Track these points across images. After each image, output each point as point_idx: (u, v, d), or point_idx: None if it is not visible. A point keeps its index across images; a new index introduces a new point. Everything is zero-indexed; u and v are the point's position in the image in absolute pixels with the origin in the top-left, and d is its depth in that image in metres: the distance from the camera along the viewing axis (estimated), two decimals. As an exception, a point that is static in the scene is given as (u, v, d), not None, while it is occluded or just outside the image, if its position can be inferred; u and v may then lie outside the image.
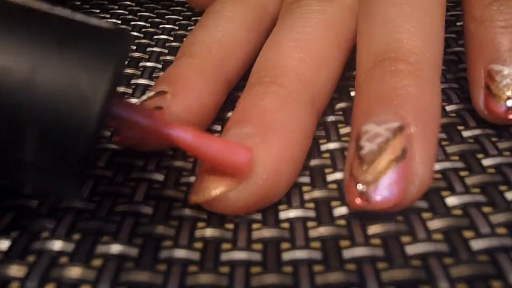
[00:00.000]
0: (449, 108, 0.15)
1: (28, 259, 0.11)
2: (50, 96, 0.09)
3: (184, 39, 0.17)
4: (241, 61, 0.16)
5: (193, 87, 0.14)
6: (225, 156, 0.11)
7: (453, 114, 0.15)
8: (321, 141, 0.15)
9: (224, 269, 0.11)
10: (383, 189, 0.11)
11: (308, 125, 0.13)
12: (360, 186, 0.11)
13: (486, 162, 0.13)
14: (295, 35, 0.14)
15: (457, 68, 0.18)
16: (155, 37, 0.22)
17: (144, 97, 0.14)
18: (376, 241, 0.11)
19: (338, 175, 0.13)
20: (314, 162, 0.14)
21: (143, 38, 0.22)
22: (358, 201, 0.11)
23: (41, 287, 0.10)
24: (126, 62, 0.12)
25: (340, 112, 0.16)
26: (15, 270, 0.11)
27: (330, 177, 0.13)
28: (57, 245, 0.11)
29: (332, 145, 0.14)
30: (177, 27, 0.23)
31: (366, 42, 0.14)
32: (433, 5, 0.14)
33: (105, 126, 0.10)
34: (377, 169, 0.11)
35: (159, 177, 0.14)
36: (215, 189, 0.11)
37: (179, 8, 0.25)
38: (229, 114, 0.16)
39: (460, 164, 0.13)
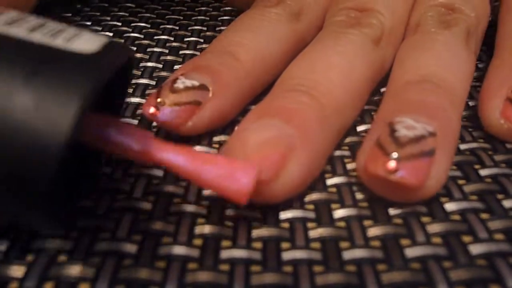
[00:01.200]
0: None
1: (27, 258, 0.11)
2: (17, 127, 0.08)
3: (230, 24, 0.17)
4: (269, 81, 0.16)
5: (231, 93, 0.15)
6: (223, 184, 0.10)
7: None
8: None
9: (224, 267, 0.11)
10: (413, 168, 0.11)
11: (331, 150, 0.14)
12: (395, 155, 0.11)
13: (483, 172, 0.13)
14: (344, 62, 0.15)
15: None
16: (155, 37, 0.22)
17: (188, 83, 0.14)
18: (376, 243, 0.11)
19: (336, 180, 0.13)
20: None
21: (144, 39, 0.22)
22: (388, 167, 0.11)
23: (40, 286, 0.10)
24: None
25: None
26: (14, 270, 0.10)
27: (330, 181, 0.13)
28: (55, 243, 0.11)
29: (333, 152, 0.14)
30: (177, 27, 0.23)
31: (411, 65, 0.15)
32: (471, 65, 0.16)
33: (80, 153, 0.09)
34: (411, 151, 0.12)
35: (159, 172, 0.13)
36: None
37: (179, 8, 0.25)
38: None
39: (458, 173, 0.13)
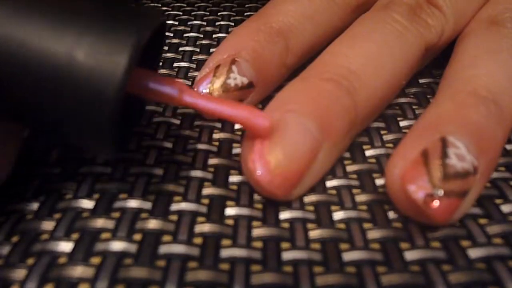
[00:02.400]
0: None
1: (28, 261, 0.11)
2: (84, 68, 0.10)
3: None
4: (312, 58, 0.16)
5: (272, 85, 0.16)
6: (248, 118, 0.12)
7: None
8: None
9: (224, 266, 0.11)
10: (445, 206, 0.11)
11: (348, 143, 0.14)
12: (436, 191, 0.11)
13: (482, 174, 0.13)
14: (387, 57, 0.14)
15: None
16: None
17: (232, 83, 0.15)
18: (375, 245, 0.11)
19: (336, 182, 0.13)
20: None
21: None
22: (427, 201, 0.11)
23: (40, 288, 0.10)
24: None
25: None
26: (16, 273, 0.10)
27: (330, 184, 0.13)
28: (56, 245, 0.11)
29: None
30: (177, 22, 0.22)
31: (482, 72, 0.13)
32: None
33: (127, 91, 0.11)
34: (452, 188, 0.11)
35: (158, 171, 0.13)
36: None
37: (178, 4, 0.25)
38: None
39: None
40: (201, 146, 0.15)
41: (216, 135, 0.15)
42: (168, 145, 0.15)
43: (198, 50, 0.20)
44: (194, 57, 0.19)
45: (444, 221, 0.11)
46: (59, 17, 0.10)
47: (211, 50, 0.20)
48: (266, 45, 0.16)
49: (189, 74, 0.18)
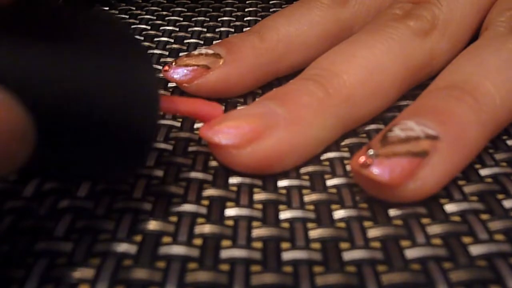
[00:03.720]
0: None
1: (28, 261, 0.11)
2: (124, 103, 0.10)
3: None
4: (300, 63, 0.17)
5: (245, 65, 0.16)
6: (201, 108, 0.13)
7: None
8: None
9: (224, 267, 0.11)
10: (386, 165, 0.11)
11: (329, 136, 0.14)
12: (371, 152, 0.12)
13: (484, 172, 0.13)
14: (370, 56, 0.14)
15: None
16: (155, 39, 0.22)
17: (203, 50, 0.16)
18: (376, 244, 0.11)
19: (336, 181, 0.13)
20: (314, 168, 0.14)
21: (144, 41, 0.22)
22: (360, 161, 0.11)
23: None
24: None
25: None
26: (15, 273, 0.10)
27: (329, 182, 0.13)
28: (56, 245, 0.11)
29: (332, 154, 0.14)
30: (177, 29, 0.23)
31: (452, 70, 0.14)
32: None
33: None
34: (393, 150, 0.11)
35: (159, 173, 0.13)
36: (225, 139, 0.13)
37: (179, 9, 0.25)
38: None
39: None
40: (201, 149, 0.15)
41: None
42: (168, 147, 0.15)
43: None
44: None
45: (392, 180, 0.11)
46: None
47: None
48: (239, 36, 0.17)
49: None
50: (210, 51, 0.16)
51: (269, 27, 0.17)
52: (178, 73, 0.16)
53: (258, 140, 0.12)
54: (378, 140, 0.12)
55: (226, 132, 0.13)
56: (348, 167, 0.14)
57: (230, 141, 0.12)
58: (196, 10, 0.24)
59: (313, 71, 0.14)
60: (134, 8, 0.25)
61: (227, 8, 0.24)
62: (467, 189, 0.13)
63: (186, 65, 0.16)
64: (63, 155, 0.10)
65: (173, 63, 0.16)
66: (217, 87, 0.16)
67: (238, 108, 0.16)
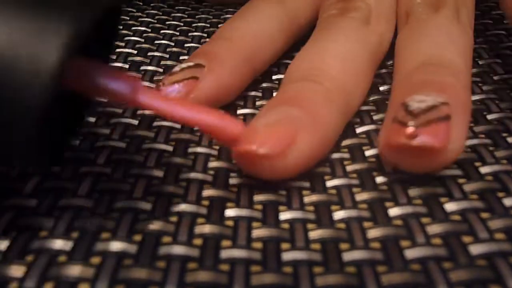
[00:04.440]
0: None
1: (27, 258, 0.11)
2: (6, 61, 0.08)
3: (220, 26, 0.19)
4: (269, 57, 0.18)
5: (226, 67, 0.16)
6: (222, 126, 0.11)
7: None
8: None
9: (224, 267, 0.11)
10: (432, 132, 0.12)
11: (340, 129, 0.14)
12: (412, 123, 0.12)
13: (484, 170, 0.13)
14: (339, 47, 0.16)
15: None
16: (156, 42, 0.22)
17: (183, 65, 0.16)
18: (376, 244, 0.11)
19: (336, 182, 0.13)
20: (313, 169, 0.14)
21: (144, 42, 0.22)
22: (408, 131, 0.12)
23: (39, 287, 0.10)
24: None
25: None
26: (14, 270, 0.10)
27: (329, 183, 0.13)
28: (55, 243, 0.11)
29: (332, 155, 0.14)
30: (178, 33, 0.23)
31: (412, 52, 0.16)
32: (468, 43, 0.16)
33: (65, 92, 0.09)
34: (427, 118, 0.12)
35: (159, 173, 0.13)
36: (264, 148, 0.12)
37: (179, 14, 0.25)
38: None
39: (457, 172, 0.13)
40: (201, 150, 0.15)
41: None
42: (169, 148, 0.15)
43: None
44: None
45: (442, 144, 0.12)
46: None
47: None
48: (208, 44, 0.17)
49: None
50: (191, 63, 0.16)
51: (232, 29, 0.17)
52: (171, 93, 0.15)
53: (294, 145, 0.12)
54: (404, 115, 0.12)
55: (268, 142, 0.12)
56: (348, 168, 0.14)
57: (273, 150, 0.12)
58: (197, 16, 0.25)
59: (299, 73, 0.15)
60: (134, 10, 0.25)
61: (228, 16, 0.25)
62: (467, 187, 0.13)
63: (175, 83, 0.15)
64: None
65: (161, 86, 0.15)
66: (213, 94, 0.16)
67: (242, 116, 0.16)
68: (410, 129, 0.12)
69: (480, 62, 0.19)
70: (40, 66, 0.08)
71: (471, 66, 0.16)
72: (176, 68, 0.16)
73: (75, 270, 0.10)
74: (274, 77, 0.19)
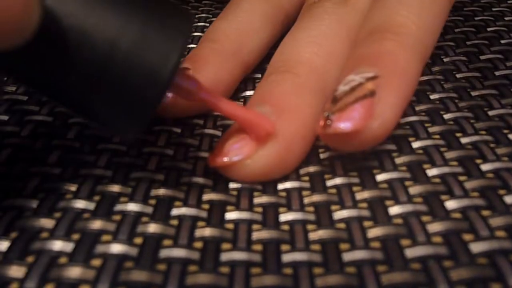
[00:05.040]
0: (447, 116, 0.16)
1: (28, 259, 0.11)
2: (130, 58, 0.10)
3: (205, 30, 0.19)
4: (257, 46, 0.18)
5: (212, 65, 0.16)
6: (256, 121, 0.13)
7: (451, 122, 0.15)
8: (320, 150, 0.15)
9: (224, 269, 0.11)
10: (346, 116, 0.12)
11: (318, 109, 0.14)
12: (325, 113, 0.12)
13: (485, 167, 0.13)
14: (311, 31, 0.16)
15: (454, 77, 0.18)
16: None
17: None
18: (376, 244, 0.11)
19: (338, 180, 0.13)
20: (313, 168, 0.14)
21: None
22: (321, 124, 0.12)
23: None
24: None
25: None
26: (14, 271, 0.11)
27: (330, 183, 0.13)
28: (56, 245, 0.11)
29: (332, 154, 0.14)
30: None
31: (365, 22, 0.16)
32: (426, 3, 0.15)
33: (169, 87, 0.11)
34: (344, 102, 0.12)
35: (160, 177, 0.14)
36: (235, 156, 0.13)
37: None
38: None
39: (458, 169, 0.13)
40: (201, 154, 0.15)
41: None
42: (169, 152, 0.15)
43: None
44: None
45: (355, 126, 0.12)
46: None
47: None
48: (194, 49, 0.17)
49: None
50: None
51: (214, 30, 0.18)
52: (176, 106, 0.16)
53: (266, 141, 0.13)
54: (329, 103, 0.13)
55: (234, 148, 0.13)
56: (348, 167, 0.14)
57: (240, 156, 0.13)
58: (197, 16, 0.25)
59: (272, 67, 0.15)
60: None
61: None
62: (468, 184, 0.13)
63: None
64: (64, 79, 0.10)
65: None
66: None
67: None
68: (321, 121, 0.12)
69: (482, 58, 0.19)
70: (170, 55, 0.10)
71: (435, 25, 0.15)
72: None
73: (75, 272, 0.11)
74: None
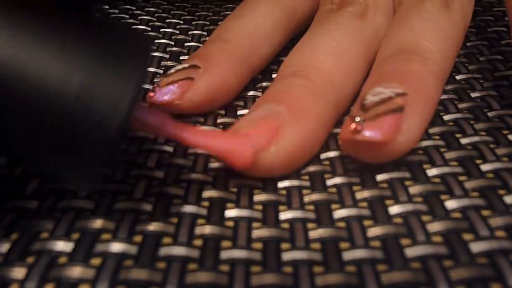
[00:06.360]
0: (446, 117, 0.16)
1: (28, 260, 0.11)
2: (82, 98, 0.09)
3: (219, 23, 0.19)
4: (267, 53, 0.18)
5: (222, 67, 0.16)
6: (232, 150, 0.12)
7: (451, 123, 0.15)
8: (321, 150, 0.15)
9: (224, 268, 0.11)
10: (375, 126, 0.12)
11: (329, 121, 0.15)
12: (357, 119, 0.12)
13: (485, 167, 0.13)
14: (330, 41, 0.16)
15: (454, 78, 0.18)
16: (156, 41, 0.22)
17: (179, 67, 0.16)
18: (376, 243, 0.11)
19: (337, 180, 0.13)
20: (313, 168, 0.14)
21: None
22: (352, 127, 0.12)
23: (40, 288, 0.10)
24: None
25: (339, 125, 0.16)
26: (15, 272, 0.10)
27: (330, 182, 0.13)
28: (56, 245, 0.11)
29: (332, 154, 0.14)
30: (177, 31, 0.23)
31: (389, 40, 0.16)
32: (454, 31, 0.16)
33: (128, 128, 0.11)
34: (376, 111, 0.13)
35: (159, 174, 0.14)
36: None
37: (179, 12, 0.25)
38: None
39: (458, 169, 0.13)
40: (202, 151, 0.15)
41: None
42: (169, 149, 0.15)
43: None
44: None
45: (385, 137, 0.12)
46: (53, 41, 0.09)
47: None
48: (204, 47, 0.18)
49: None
50: (186, 65, 0.16)
51: (227, 30, 0.18)
52: (165, 93, 0.15)
53: (275, 141, 0.13)
54: (358, 109, 0.13)
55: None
56: (349, 166, 0.14)
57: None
58: (197, 14, 0.25)
59: (288, 69, 0.15)
60: (134, 8, 0.25)
61: (227, 12, 0.25)
62: (468, 184, 0.13)
63: (170, 83, 0.16)
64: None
65: (156, 87, 0.16)
66: (208, 95, 0.16)
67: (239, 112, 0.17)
68: (353, 125, 0.12)
69: (481, 59, 0.19)
70: (119, 105, 0.09)
71: (454, 55, 0.16)
72: (172, 70, 0.16)
73: (75, 271, 0.10)
74: (274, 76, 0.19)
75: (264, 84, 0.18)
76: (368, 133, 0.12)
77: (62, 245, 0.11)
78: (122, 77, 0.10)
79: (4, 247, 0.11)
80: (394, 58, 0.15)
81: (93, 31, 0.10)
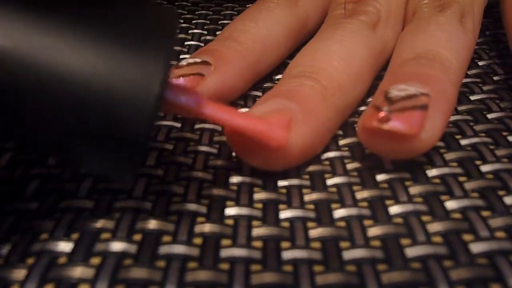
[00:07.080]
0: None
1: (28, 261, 0.11)
2: (110, 89, 0.09)
3: (234, 18, 0.19)
4: (274, 62, 0.18)
5: (232, 69, 0.16)
6: (266, 134, 0.12)
7: (451, 125, 0.15)
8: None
9: (224, 266, 0.11)
10: (404, 118, 0.12)
11: (335, 126, 0.15)
12: (385, 108, 0.12)
13: (485, 168, 0.13)
14: (343, 47, 0.16)
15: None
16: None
17: (191, 60, 0.16)
18: (376, 243, 0.11)
19: (337, 180, 0.13)
20: (314, 167, 0.14)
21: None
22: (380, 116, 0.12)
23: (40, 289, 0.10)
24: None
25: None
26: (15, 273, 0.10)
27: (330, 181, 0.13)
28: (56, 245, 0.11)
29: (332, 154, 0.14)
30: (178, 30, 0.23)
31: (408, 45, 0.16)
32: (468, 46, 0.17)
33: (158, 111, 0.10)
34: (403, 105, 0.13)
35: (159, 172, 0.13)
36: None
37: (180, 10, 0.25)
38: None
39: (458, 170, 0.13)
40: (201, 148, 0.15)
41: (216, 138, 0.15)
42: (169, 147, 0.15)
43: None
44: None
45: (412, 130, 0.12)
46: (78, 27, 0.09)
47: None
48: (216, 43, 0.17)
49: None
50: (198, 60, 0.16)
51: (241, 30, 0.18)
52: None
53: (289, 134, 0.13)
54: (382, 101, 0.13)
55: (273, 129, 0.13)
56: (348, 166, 0.14)
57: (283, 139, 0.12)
58: (197, 12, 0.25)
59: (299, 69, 0.15)
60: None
61: (227, 12, 0.25)
62: (468, 185, 0.13)
63: (180, 77, 0.15)
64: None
65: None
66: (217, 93, 0.16)
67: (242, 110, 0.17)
68: (382, 113, 0.12)
69: (480, 63, 0.19)
70: (147, 95, 0.09)
71: (466, 68, 0.16)
72: (183, 62, 0.16)
73: (75, 271, 0.10)
74: (275, 76, 0.19)
75: (265, 84, 0.18)
76: (396, 124, 0.12)
77: (62, 246, 0.11)
78: (151, 56, 0.09)
79: (5, 249, 0.11)
80: (416, 61, 0.15)
81: (117, 12, 0.10)
